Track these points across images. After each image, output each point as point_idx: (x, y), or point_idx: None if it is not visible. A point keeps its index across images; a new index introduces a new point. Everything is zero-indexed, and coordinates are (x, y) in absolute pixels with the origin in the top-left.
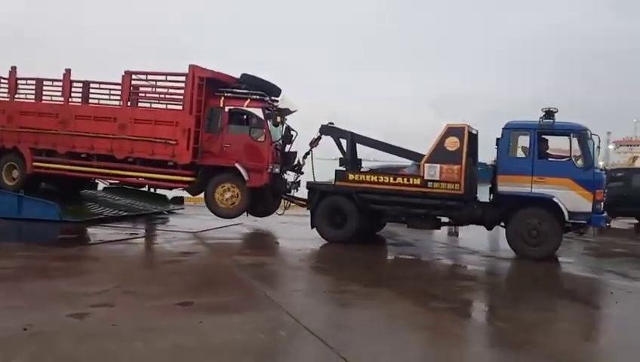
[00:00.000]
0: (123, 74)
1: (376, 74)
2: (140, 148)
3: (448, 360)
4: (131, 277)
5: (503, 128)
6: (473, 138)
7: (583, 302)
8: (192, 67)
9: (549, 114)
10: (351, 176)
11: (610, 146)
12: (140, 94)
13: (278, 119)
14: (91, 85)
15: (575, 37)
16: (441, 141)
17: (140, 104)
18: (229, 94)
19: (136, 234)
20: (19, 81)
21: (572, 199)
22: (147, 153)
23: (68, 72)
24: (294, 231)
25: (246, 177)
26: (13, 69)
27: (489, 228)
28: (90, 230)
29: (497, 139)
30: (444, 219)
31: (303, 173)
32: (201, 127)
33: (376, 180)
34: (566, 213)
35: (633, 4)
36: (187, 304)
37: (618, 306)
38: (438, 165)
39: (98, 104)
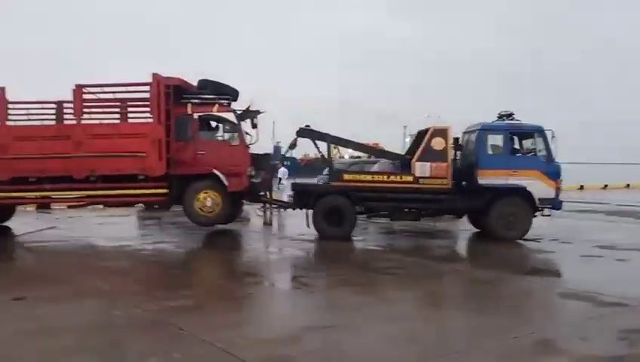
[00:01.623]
0: (74, 88)
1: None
2: (103, 165)
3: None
4: None
5: (478, 130)
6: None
7: (365, 268)
8: (157, 76)
9: (508, 116)
10: (346, 176)
11: (407, 139)
12: (97, 108)
13: (255, 121)
14: (33, 104)
15: (378, 39)
16: (429, 141)
17: (94, 117)
18: (196, 101)
19: None
20: None
21: (540, 188)
22: (112, 169)
23: (2, 90)
24: (108, 230)
25: (225, 182)
26: None
27: (460, 217)
28: None
29: (455, 140)
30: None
31: (276, 175)
32: (171, 136)
33: (371, 179)
34: (537, 200)
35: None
36: (21, 298)
37: (392, 270)
38: (427, 163)
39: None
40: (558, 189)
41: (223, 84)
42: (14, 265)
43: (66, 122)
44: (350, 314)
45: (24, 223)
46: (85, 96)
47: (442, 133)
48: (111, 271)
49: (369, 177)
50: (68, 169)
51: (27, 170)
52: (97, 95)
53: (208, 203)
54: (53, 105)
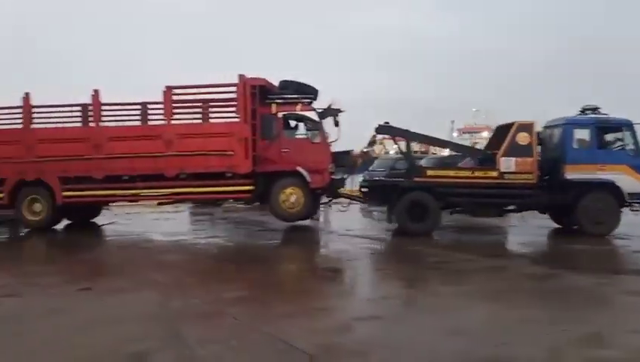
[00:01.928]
0: (164, 89)
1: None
2: (193, 163)
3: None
4: (26, 272)
5: (563, 124)
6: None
7: (414, 263)
8: (243, 77)
9: (593, 110)
10: (429, 172)
11: (454, 134)
12: (185, 108)
13: (337, 119)
14: (124, 105)
15: (401, 37)
16: (513, 136)
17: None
18: (280, 100)
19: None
20: (34, 109)
21: (629, 182)
22: (201, 167)
23: (96, 93)
24: (163, 226)
25: (309, 179)
26: (27, 95)
27: (543, 212)
28: None
29: (538, 133)
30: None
31: (354, 173)
32: (257, 134)
33: (454, 174)
34: (626, 195)
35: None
36: (86, 289)
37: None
38: (512, 158)
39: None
40: None
41: (304, 84)
42: (80, 259)
43: (150, 122)
44: (400, 306)
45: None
46: (174, 97)
47: (527, 127)
48: (168, 264)
49: (452, 172)
50: (159, 167)
51: (120, 168)
52: (185, 96)
53: (292, 199)
54: (138, 107)
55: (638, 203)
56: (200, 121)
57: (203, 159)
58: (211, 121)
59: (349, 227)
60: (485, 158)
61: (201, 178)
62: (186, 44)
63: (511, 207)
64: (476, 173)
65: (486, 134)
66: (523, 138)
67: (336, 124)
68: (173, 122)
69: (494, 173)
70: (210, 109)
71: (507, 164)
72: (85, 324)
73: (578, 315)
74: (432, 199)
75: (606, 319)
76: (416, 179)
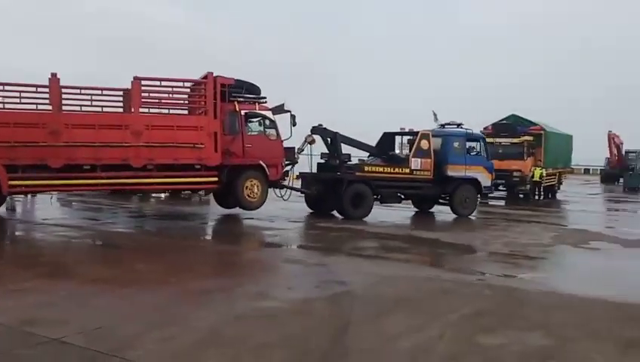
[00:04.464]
0: (132, 80)
1: None
2: (162, 155)
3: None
4: None
5: (446, 135)
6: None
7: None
8: (213, 75)
9: (458, 125)
10: (366, 168)
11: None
12: (151, 100)
13: (296, 120)
14: (89, 91)
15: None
16: (418, 142)
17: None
18: (241, 99)
19: None
20: None
21: (484, 178)
22: (170, 158)
23: (53, 76)
24: None
25: (268, 172)
26: None
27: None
28: None
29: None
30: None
31: (294, 165)
32: (223, 130)
33: (382, 170)
34: (482, 187)
35: None
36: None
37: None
38: (419, 159)
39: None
40: None
41: (253, 84)
42: None
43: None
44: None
45: None
46: (144, 89)
47: (426, 136)
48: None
49: (382, 168)
50: (125, 157)
51: (81, 157)
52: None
53: (255, 190)
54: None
55: (488, 192)
56: (169, 113)
57: (172, 151)
58: (182, 114)
59: (45, 216)
60: (389, 158)
61: (166, 169)
62: None
63: (403, 197)
64: (396, 170)
65: None
66: (424, 144)
67: (294, 123)
68: (142, 113)
69: (407, 170)
70: (178, 103)
71: (416, 163)
72: None
73: (253, 280)
74: (369, 190)
75: (272, 281)
76: (358, 173)
